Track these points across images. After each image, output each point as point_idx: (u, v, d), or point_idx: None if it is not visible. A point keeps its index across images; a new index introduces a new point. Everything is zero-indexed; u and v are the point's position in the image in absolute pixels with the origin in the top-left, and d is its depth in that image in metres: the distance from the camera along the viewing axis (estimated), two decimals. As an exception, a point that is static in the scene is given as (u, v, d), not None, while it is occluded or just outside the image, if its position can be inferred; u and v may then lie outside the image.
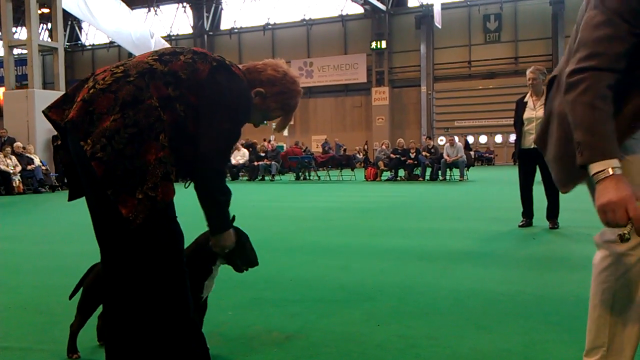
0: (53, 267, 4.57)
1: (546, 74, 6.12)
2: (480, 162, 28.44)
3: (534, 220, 6.32)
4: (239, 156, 18.93)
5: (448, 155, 16.12)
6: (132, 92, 1.86)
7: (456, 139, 17.37)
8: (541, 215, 6.21)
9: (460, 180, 15.88)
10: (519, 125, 6.30)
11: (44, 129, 15.23)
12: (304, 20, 34.85)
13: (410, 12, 32.50)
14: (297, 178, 19.33)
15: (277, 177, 18.95)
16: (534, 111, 6.11)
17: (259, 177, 18.92)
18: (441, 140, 26.57)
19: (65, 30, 33.95)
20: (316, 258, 4.74)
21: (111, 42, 35.04)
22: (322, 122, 34.60)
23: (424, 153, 17.01)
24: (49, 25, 27.66)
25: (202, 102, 1.95)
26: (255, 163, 19.03)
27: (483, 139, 31.38)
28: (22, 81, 19.88)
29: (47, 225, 7.65)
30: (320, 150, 27.91)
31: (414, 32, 32.02)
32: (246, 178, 19.11)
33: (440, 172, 16.36)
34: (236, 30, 36.57)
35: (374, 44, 32.38)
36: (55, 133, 2.04)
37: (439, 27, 29.71)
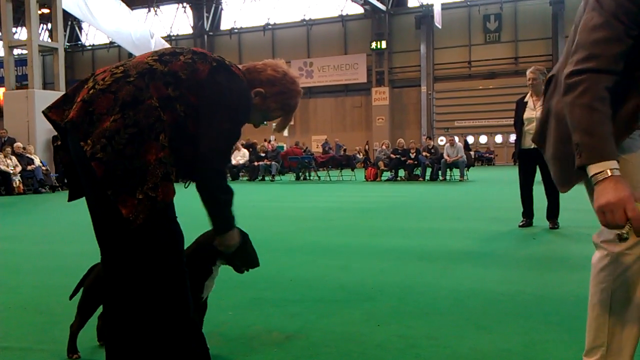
0: (53, 267, 4.57)
1: (546, 74, 6.11)
2: (481, 162, 28.45)
3: (534, 220, 6.32)
4: (239, 156, 18.93)
5: (448, 156, 16.12)
6: (132, 93, 1.86)
7: (456, 139, 17.37)
8: (541, 215, 6.21)
9: (460, 181, 15.88)
10: (519, 125, 6.30)
11: (44, 129, 15.23)
12: (304, 20, 34.85)
13: (410, 12, 32.51)
14: (297, 178, 19.34)
15: (277, 177, 18.96)
16: (534, 111, 6.11)
17: (259, 177, 18.93)
18: (441, 141, 26.56)
19: (65, 31, 33.96)
20: (316, 258, 4.74)
21: (111, 43, 35.05)
22: (322, 122, 34.61)
23: (424, 153, 17.02)
24: (49, 25, 27.67)
25: (202, 102, 1.95)
26: (256, 163, 19.04)
27: (483, 139, 31.39)
28: (22, 81, 19.89)
29: (47, 225, 7.66)
30: (321, 150, 27.91)
31: (414, 32, 32.03)
32: (246, 178, 19.11)
33: (440, 172, 16.37)
34: (236, 31, 36.58)
35: (374, 44, 32.39)
36: (56, 133, 2.05)
37: (439, 27, 29.71)
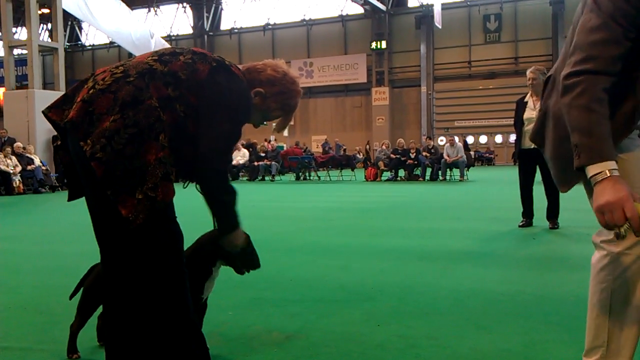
0: (53, 267, 4.57)
1: (546, 74, 6.11)
2: (480, 162, 28.45)
3: (534, 220, 6.32)
4: (239, 156, 18.93)
5: (448, 156, 16.12)
6: (131, 93, 1.86)
7: (456, 139, 17.37)
8: (541, 215, 6.21)
9: (460, 181, 15.88)
10: (519, 125, 6.30)
11: (44, 129, 15.24)
12: (304, 20, 34.85)
13: (410, 12, 32.51)
14: (297, 178, 19.34)
15: (277, 177, 18.96)
16: (534, 111, 6.10)
17: (259, 177, 18.93)
18: (441, 141, 26.57)
19: (65, 31, 33.95)
20: (316, 258, 4.74)
21: (111, 43, 35.05)
22: (322, 122, 34.61)
23: (424, 153, 17.02)
24: (49, 25, 27.67)
25: (202, 103, 1.95)
26: (256, 163, 19.04)
27: (483, 139, 31.39)
28: (22, 81, 19.90)
29: (47, 225, 7.66)
30: (321, 150, 27.91)
31: (414, 32, 32.03)
32: (246, 178, 19.11)
33: (440, 172, 16.37)
34: (236, 31, 36.58)
35: (374, 44, 32.39)
36: (55, 133, 2.05)
37: (439, 27, 29.72)
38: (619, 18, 1.52)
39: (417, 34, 31.94)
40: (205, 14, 36.73)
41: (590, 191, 1.55)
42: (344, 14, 34.07)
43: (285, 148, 23.16)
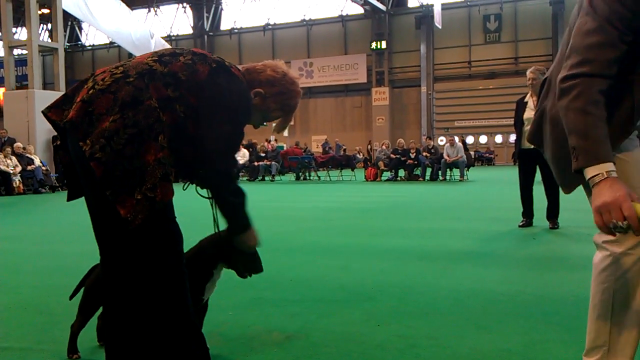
0: (53, 267, 4.57)
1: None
2: (480, 162, 28.46)
3: (534, 220, 6.32)
4: (239, 156, 18.92)
5: (448, 156, 16.12)
6: (131, 93, 1.86)
7: (456, 139, 17.38)
8: (541, 215, 6.21)
9: (460, 181, 15.88)
10: (519, 125, 6.30)
11: (44, 130, 15.24)
12: (304, 20, 34.86)
13: (410, 12, 32.52)
14: (297, 178, 19.34)
15: (277, 178, 18.97)
16: (534, 111, 6.10)
17: (259, 178, 18.94)
18: (441, 141, 26.57)
19: (65, 31, 33.97)
20: (316, 258, 4.74)
21: (111, 43, 35.06)
22: (322, 122, 34.61)
23: (424, 153, 17.02)
24: (49, 25, 27.66)
25: (202, 104, 1.95)
26: (256, 163, 19.05)
27: (483, 139, 31.39)
28: (22, 81, 19.90)
29: (47, 225, 7.66)
30: (321, 150, 27.91)
31: (414, 32, 32.04)
32: (246, 178, 19.12)
33: (440, 172, 16.37)
34: (236, 31, 36.59)
35: (374, 44, 32.40)
36: (56, 133, 2.05)
37: (439, 27, 29.72)
38: (614, 21, 1.52)
39: (417, 34, 31.95)
40: (205, 14, 36.74)
41: (589, 193, 1.55)
42: (344, 14, 34.07)
43: (285, 148, 23.18)
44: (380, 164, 17.55)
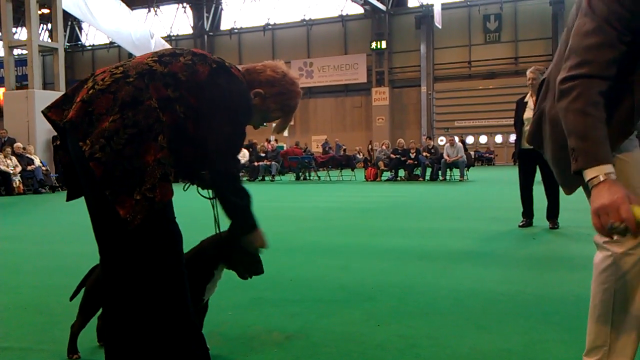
0: (53, 267, 4.57)
1: (546, 74, 6.11)
2: (480, 162, 28.45)
3: (534, 220, 6.32)
4: (239, 156, 18.89)
5: (448, 156, 16.12)
6: (131, 93, 1.86)
7: (456, 139, 17.39)
8: (541, 215, 6.21)
9: (460, 180, 15.88)
10: (519, 125, 6.30)
11: (44, 130, 15.24)
12: (304, 20, 34.86)
13: (410, 12, 32.52)
14: (297, 178, 19.35)
15: (277, 178, 18.97)
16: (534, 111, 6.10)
17: (259, 178, 18.93)
18: (441, 141, 26.57)
19: (65, 31, 33.96)
20: (316, 258, 4.74)
21: (111, 43, 35.05)
22: (322, 122, 34.61)
23: (424, 153, 17.02)
24: (49, 25, 27.65)
25: (202, 104, 1.95)
26: (256, 163, 19.05)
27: (483, 139, 31.39)
28: (22, 81, 19.89)
29: (47, 225, 7.66)
30: (321, 150, 27.91)
31: (414, 32, 32.04)
32: (246, 178, 19.12)
33: (440, 172, 16.37)
34: (236, 31, 36.58)
35: (374, 44, 32.40)
36: (56, 133, 2.04)
37: (439, 27, 29.72)
38: (613, 22, 1.51)
39: (417, 34, 31.95)
40: (205, 14, 36.73)
41: (589, 194, 1.55)
42: (344, 14, 34.07)
43: (285, 148, 23.18)
44: (380, 164, 17.55)
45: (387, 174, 17.32)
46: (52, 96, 12.76)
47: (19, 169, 14.06)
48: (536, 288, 3.54)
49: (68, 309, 2.68)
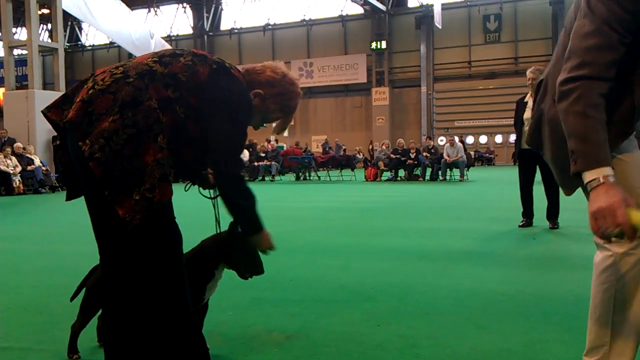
0: (53, 267, 4.57)
1: (546, 74, 6.11)
2: (480, 162, 28.45)
3: (534, 220, 6.32)
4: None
5: (448, 156, 16.12)
6: (131, 93, 1.86)
7: (456, 139, 17.39)
8: (541, 215, 6.21)
9: (460, 180, 15.88)
10: (519, 125, 6.30)
11: (44, 130, 15.24)
12: (304, 20, 34.85)
13: (410, 12, 32.52)
14: (297, 178, 19.34)
15: (277, 178, 18.97)
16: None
17: (259, 178, 18.93)
18: (441, 141, 26.57)
19: (65, 31, 33.96)
20: (316, 258, 4.74)
21: (111, 43, 35.05)
22: (322, 122, 34.61)
23: (424, 153, 17.02)
24: (49, 25, 27.64)
25: (203, 105, 1.95)
26: (256, 163, 19.04)
27: (483, 139, 31.39)
28: (22, 82, 19.89)
29: (47, 225, 7.66)
30: (321, 150, 27.90)
31: (414, 32, 32.04)
32: (246, 178, 19.07)
33: (440, 172, 16.37)
34: (236, 31, 36.58)
35: (374, 44, 32.40)
36: (56, 133, 2.04)
37: (439, 27, 29.72)
38: (613, 23, 1.51)
39: (417, 34, 31.95)
40: (205, 14, 36.73)
41: (588, 195, 1.55)
42: (344, 14, 34.07)
43: (285, 148, 23.18)
44: (380, 164, 17.55)
45: (387, 174, 17.32)
46: (52, 96, 12.76)
47: (19, 169, 14.06)
48: (536, 288, 3.54)
49: (68, 309, 2.68)
